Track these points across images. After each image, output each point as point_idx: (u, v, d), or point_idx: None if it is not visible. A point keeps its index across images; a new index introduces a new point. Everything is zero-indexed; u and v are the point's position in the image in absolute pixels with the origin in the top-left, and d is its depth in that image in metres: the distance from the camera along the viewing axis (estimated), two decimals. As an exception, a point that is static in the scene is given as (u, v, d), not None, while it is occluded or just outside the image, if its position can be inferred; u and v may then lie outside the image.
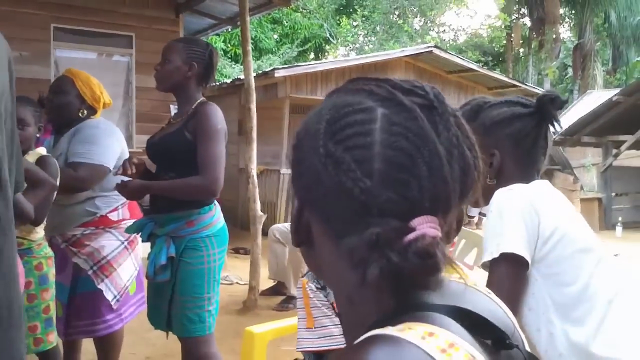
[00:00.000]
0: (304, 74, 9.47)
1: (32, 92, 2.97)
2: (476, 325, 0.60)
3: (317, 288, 1.68)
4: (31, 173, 2.31)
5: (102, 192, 2.83)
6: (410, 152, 0.57)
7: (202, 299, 2.40)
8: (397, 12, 19.63)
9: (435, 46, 11.06)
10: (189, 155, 2.37)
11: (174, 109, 6.60)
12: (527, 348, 0.69)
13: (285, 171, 9.23)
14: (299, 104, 9.94)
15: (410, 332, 0.53)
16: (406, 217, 0.56)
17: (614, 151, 12.36)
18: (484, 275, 1.45)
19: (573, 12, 23.17)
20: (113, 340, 2.93)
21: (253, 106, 5.11)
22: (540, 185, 1.50)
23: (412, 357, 0.51)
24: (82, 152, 2.74)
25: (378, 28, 19.81)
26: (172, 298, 2.42)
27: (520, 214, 1.39)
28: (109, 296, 2.77)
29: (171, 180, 2.40)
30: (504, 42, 22.70)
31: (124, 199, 2.94)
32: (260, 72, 9.60)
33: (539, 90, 11.24)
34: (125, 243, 2.87)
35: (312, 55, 20.33)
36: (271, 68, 10.02)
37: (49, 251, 2.61)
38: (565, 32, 25.55)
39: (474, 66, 11.32)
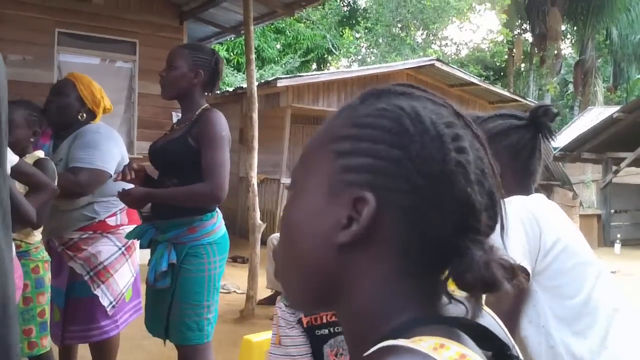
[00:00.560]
0: (306, 84, 9.49)
1: (35, 95, 2.98)
2: (478, 336, 0.60)
3: (286, 306, 1.73)
4: (33, 177, 2.31)
5: (101, 197, 2.83)
6: (483, 172, 0.62)
7: (202, 307, 2.38)
8: (399, 25, 19.72)
9: (438, 59, 11.12)
10: (192, 161, 2.36)
11: (176, 116, 6.61)
12: None
13: (286, 180, 9.23)
14: (301, 114, 9.97)
15: (421, 343, 0.53)
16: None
17: (614, 168, 12.39)
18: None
19: (575, 28, 23.30)
20: (108, 347, 2.92)
21: (255, 115, 5.12)
22: (539, 198, 1.51)
23: None
24: (83, 156, 2.74)
25: (380, 40, 19.89)
26: (172, 305, 2.40)
27: (521, 225, 1.39)
28: (104, 302, 2.76)
29: (175, 188, 2.38)
30: (506, 57, 22.81)
31: (122, 205, 2.93)
32: (262, 81, 9.63)
33: (540, 106, 11.26)
34: (123, 249, 2.86)
35: (314, 66, 20.42)
36: (273, 77, 10.06)
37: (45, 255, 2.61)
38: (566, 48, 25.69)
39: (475, 80, 11.36)
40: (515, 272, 0.59)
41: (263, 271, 5.36)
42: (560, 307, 1.40)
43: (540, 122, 1.51)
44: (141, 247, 2.63)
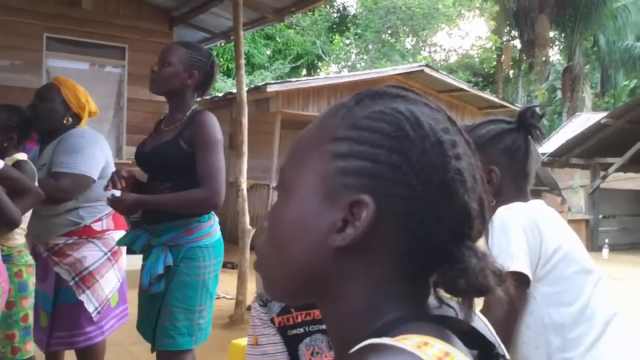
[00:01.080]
0: (296, 89, 9.50)
1: (24, 101, 2.95)
2: (463, 335, 0.60)
3: (260, 305, 1.77)
4: (18, 181, 2.29)
5: (85, 203, 2.79)
6: (474, 178, 0.63)
7: (193, 311, 2.32)
8: (389, 31, 19.80)
9: (427, 65, 11.16)
10: (185, 165, 2.30)
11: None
12: None
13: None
14: (290, 119, 9.97)
15: (405, 341, 0.53)
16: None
17: (602, 173, 12.48)
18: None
19: (563, 35, 23.48)
20: (94, 353, 2.89)
21: (245, 120, 5.12)
22: (538, 204, 1.52)
23: None
24: (65, 161, 2.70)
25: (370, 46, 19.96)
26: (160, 309, 2.35)
27: (522, 232, 1.40)
28: (90, 308, 2.73)
29: (170, 194, 2.32)
30: (495, 63, 22.94)
31: (108, 210, 2.90)
32: (252, 86, 9.63)
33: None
34: (109, 254, 2.83)
35: (304, 72, 20.43)
36: (263, 83, 10.06)
37: (29, 259, 2.58)
38: (554, 54, 25.87)
39: (464, 86, 11.42)
40: (505, 278, 0.60)
41: (252, 277, 5.34)
42: (557, 314, 1.41)
43: (529, 123, 1.54)
44: (135, 252, 2.59)
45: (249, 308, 5.16)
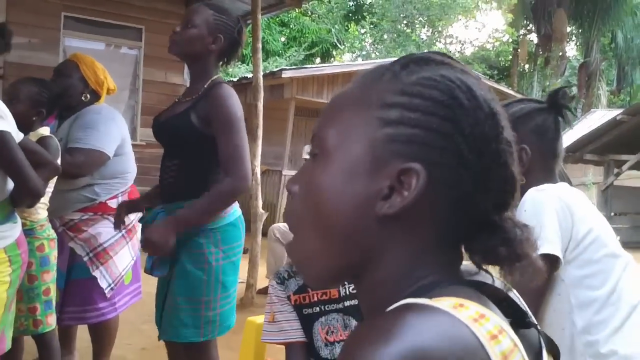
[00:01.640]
0: (311, 76, 9.47)
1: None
2: (499, 303, 0.61)
3: (277, 283, 1.77)
4: (36, 154, 2.30)
5: (101, 179, 2.81)
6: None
7: (198, 302, 2.08)
8: (405, 21, 19.64)
9: (443, 56, 11.07)
10: (193, 140, 2.08)
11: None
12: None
13: (287, 172, 9.22)
14: (304, 106, 9.95)
15: (441, 302, 0.53)
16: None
17: (616, 170, 12.38)
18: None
19: (580, 30, 23.22)
20: (107, 329, 2.91)
21: (260, 104, 5.11)
22: (568, 187, 1.52)
23: (445, 323, 0.50)
24: (80, 137, 2.71)
25: (386, 36, 19.82)
26: (166, 297, 2.15)
27: (555, 215, 1.40)
28: (103, 284, 2.75)
29: (200, 200, 2.04)
30: (510, 56, 22.73)
31: (124, 187, 2.92)
32: (267, 72, 9.61)
33: (544, 106, 11.27)
34: (123, 232, 2.84)
35: (318, 60, 20.35)
36: (278, 69, 10.03)
37: (51, 233, 2.59)
38: (571, 50, 25.61)
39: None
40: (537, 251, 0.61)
41: (263, 261, 5.36)
42: (585, 297, 1.42)
43: (560, 104, 1.54)
44: None
45: (259, 292, 5.19)
